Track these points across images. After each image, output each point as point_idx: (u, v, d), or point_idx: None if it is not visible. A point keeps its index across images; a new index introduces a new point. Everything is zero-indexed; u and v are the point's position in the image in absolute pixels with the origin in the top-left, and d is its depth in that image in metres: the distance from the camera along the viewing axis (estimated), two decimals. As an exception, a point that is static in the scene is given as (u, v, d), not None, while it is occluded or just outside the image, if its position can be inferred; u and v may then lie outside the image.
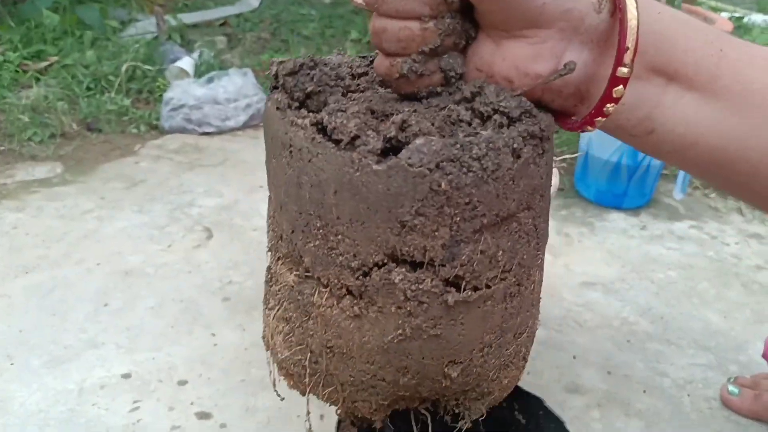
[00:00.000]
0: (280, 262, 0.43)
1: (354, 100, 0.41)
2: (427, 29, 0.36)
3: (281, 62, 0.41)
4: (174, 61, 1.95)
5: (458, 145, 0.34)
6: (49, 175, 1.46)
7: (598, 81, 0.38)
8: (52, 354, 0.93)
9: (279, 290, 0.43)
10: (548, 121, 0.39)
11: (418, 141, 0.34)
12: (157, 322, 1.02)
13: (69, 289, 1.07)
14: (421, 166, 0.34)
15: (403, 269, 0.37)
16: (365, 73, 0.43)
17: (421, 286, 0.37)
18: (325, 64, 0.42)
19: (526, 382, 0.95)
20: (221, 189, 1.44)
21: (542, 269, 0.45)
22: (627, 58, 0.36)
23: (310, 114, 0.38)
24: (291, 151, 0.38)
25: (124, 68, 1.87)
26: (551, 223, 1.45)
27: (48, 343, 0.95)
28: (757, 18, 2.45)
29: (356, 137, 0.35)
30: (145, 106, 1.84)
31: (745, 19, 2.43)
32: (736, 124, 0.40)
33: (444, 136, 0.36)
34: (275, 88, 0.42)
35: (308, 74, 0.41)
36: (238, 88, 1.76)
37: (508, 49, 0.38)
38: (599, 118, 0.38)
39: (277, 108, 0.40)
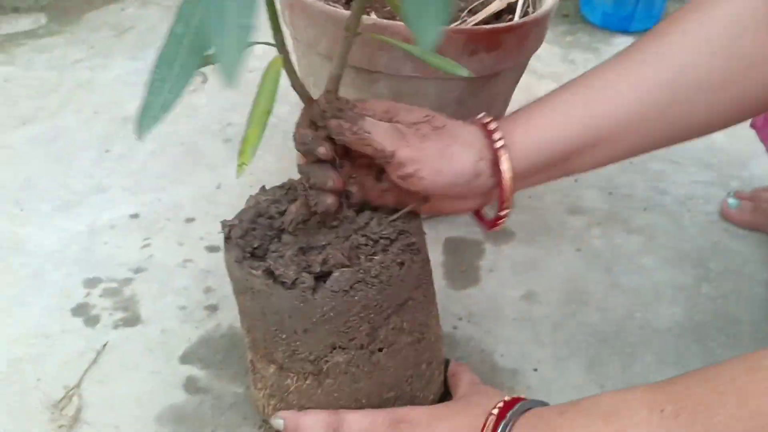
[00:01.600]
0: (259, 357, 0.59)
1: (287, 243, 0.56)
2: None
3: (231, 226, 0.57)
4: None
5: (361, 271, 0.52)
6: (34, 27, 1.41)
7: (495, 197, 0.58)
8: (61, 198, 0.95)
9: (262, 377, 0.60)
10: (417, 231, 0.57)
11: (335, 274, 0.51)
12: (159, 164, 1.02)
13: (70, 138, 1.07)
14: (339, 290, 0.51)
15: (342, 353, 0.55)
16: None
17: (355, 359, 0.55)
18: (261, 215, 0.58)
19: (528, 206, 0.96)
20: (213, 32, 1.39)
21: (437, 316, 0.64)
22: (507, 204, 0.56)
23: (260, 263, 0.54)
24: (252, 292, 0.54)
25: None
26: (557, 51, 1.40)
27: (56, 188, 0.97)
28: None
29: (296, 279, 0.51)
30: (126, -50, 1.73)
31: None
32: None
33: (351, 264, 0.52)
34: (228, 239, 0.57)
35: (253, 234, 0.57)
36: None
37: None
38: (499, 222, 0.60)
39: (236, 261, 0.55)
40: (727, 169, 1.05)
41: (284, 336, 0.55)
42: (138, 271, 0.84)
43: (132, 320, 0.78)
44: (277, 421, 0.57)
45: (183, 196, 0.96)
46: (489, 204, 0.60)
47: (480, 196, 0.58)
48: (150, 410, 0.68)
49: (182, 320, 0.78)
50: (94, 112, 1.13)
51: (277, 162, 1.03)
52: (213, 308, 0.80)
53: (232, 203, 0.94)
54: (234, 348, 0.75)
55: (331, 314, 0.52)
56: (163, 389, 0.70)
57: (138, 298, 0.81)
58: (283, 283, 0.52)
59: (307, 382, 0.57)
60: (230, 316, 0.78)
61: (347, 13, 0.74)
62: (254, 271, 0.53)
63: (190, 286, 0.82)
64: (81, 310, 0.79)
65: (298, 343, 0.54)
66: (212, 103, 1.16)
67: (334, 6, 0.86)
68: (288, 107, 1.15)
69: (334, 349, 0.55)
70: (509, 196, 0.55)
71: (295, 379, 0.57)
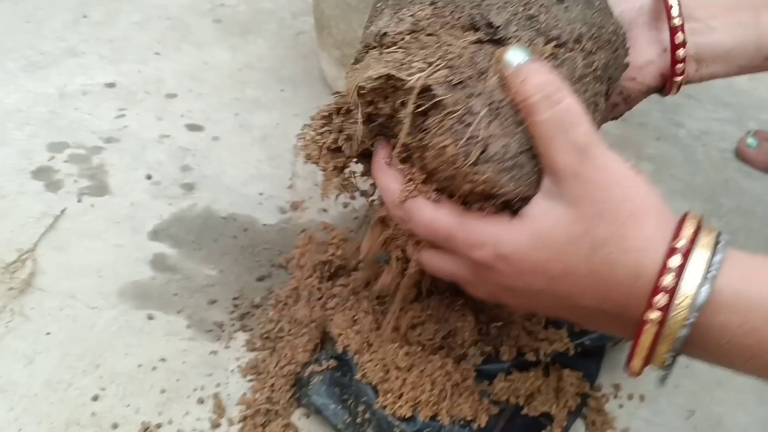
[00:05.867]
0: None
1: None
2: None
3: None
4: None
5: None
6: None
7: None
8: (29, 59, 0.86)
9: None
10: None
11: None
12: (142, 36, 0.93)
13: (43, -2, 0.97)
14: None
15: None
16: None
17: None
18: None
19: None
20: None
21: None
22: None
23: None
24: None
25: None
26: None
27: (23, 48, 0.87)
28: None
29: None
30: None
31: None
32: None
33: None
34: None
35: None
36: None
37: None
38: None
39: None
40: (745, 109, 0.99)
41: None
42: (110, 140, 0.76)
43: (99, 190, 0.70)
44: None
45: (166, 70, 0.88)
46: None
47: None
48: (111, 283, 0.62)
49: (154, 195, 0.71)
50: (74, -24, 1.03)
51: (270, 49, 0.95)
52: (189, 187, 0.72)
53: (218, 84, 0.87)
54: (209, 230, 0.68)
55: None
56: (128, 263, 0.64)
57: (107, 168, 0.73)
58: None
59: None
60: (208, 197, 0.72)
61: None
62: None
63: (165, 161, 0.75)
64: (43, 174, 0.71)
65: None
66: (205, -19, 1.06)
67: None
68: (287, -6, 1.07)
69: None
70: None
71: None
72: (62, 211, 0.67)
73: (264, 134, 0.80)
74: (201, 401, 0.54)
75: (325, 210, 0.72)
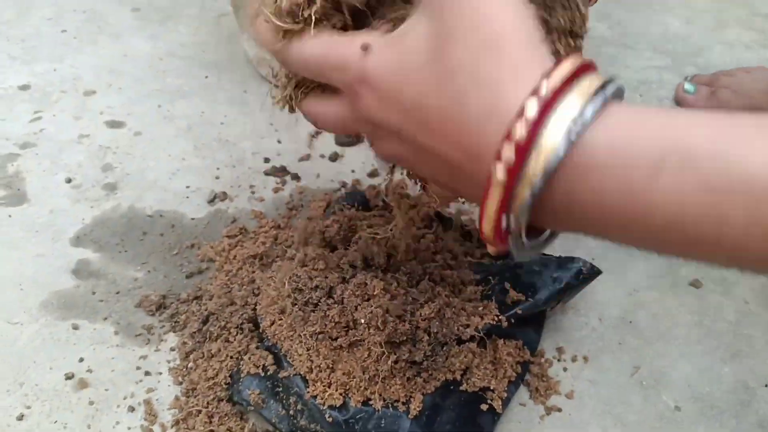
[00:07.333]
0: None
1: None
2: None
3: None
4: None
5: None
6: None
7: None
8: (-65, 66, 0.82)
9: None
10: None
11: None
12: (56, 31, 0.89)
13: (-52, 1, 0.93)
14: None
15: None
16: None
17: None
18: None
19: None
20: None
21: None
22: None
23: None
24: None
25: None
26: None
27: (-72, 55, 0.83)
28: None
29: None
30: None
31: None
32: None
33: None
34: None
35: None
36: None
37: None
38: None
39: None
40: (682, 56, 0.98)
41: None
42: (25, 146, 0.73)
43: (15, 199, 0.67)
44: None
45: (82, 66, 0.84)
46: None
47: None
48: (33, 295, 0.59)
49: (75, 199, 0.68)
50: (-20, -26, 0.98)
51: (192, 34, 0.91)
52: (112, 187, 0.70)
53: (139, 75, 0.83)
54: (134, 230, 0.66)
55: None
56: (50, 273, 0.61)
57: (24, 174, 0.70)
58: None
59: None
60: (132, 195, 0.69)
61: None
62: None
63: (85, 163, 0.72)
64: (-45, 188, 0.68)
65: None
66: (121, -31, 1.02)
67: None
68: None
69: None
70: None
71: None
72: (-24, 225, 0.64)
73: (188, 124, 0.78)
74: (132, 409, 0.52)
75: (253, 193, 0.70)
